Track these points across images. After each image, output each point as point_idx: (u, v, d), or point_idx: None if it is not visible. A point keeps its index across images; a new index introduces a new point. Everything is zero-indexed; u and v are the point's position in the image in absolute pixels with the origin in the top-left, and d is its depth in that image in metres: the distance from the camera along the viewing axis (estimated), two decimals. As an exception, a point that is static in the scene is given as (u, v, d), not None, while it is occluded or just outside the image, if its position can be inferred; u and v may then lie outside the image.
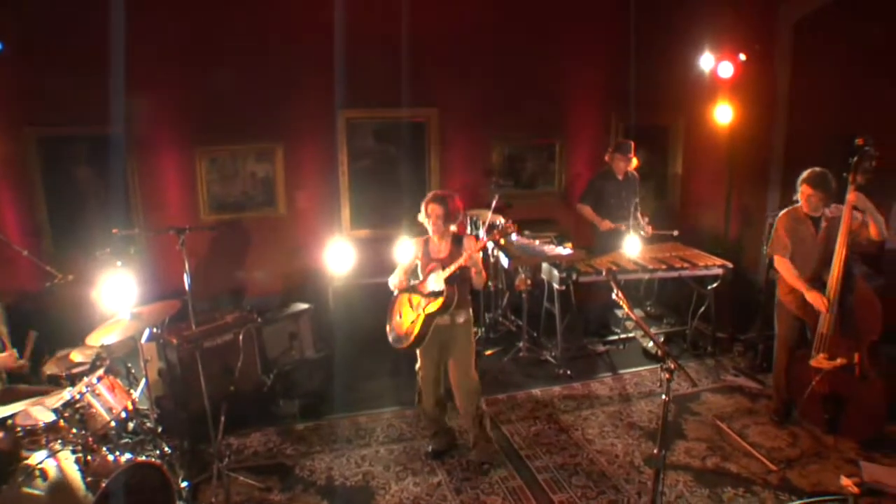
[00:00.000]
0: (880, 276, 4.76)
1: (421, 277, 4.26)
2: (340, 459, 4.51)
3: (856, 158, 4.49)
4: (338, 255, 6.05)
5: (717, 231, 8.04)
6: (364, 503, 4.05)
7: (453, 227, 4.26)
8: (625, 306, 3.29)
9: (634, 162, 6.54)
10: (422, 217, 4.25)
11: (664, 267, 5.88)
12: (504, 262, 5.52)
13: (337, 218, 7.22)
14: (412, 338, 4.18)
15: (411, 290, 4.32)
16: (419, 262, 4.33)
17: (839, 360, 4.62)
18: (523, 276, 5.83)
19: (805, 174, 4.74)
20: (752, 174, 8.54)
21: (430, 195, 4.25)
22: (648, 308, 7.08)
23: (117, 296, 4.23)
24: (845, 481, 4.29)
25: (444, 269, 4.12)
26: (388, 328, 4.39)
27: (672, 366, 2.99)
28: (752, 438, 4.81)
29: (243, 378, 4.91)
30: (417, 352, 4.35)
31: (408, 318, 4.25)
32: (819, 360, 4.71)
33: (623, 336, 6.50)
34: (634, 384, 5.65)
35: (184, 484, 4.01)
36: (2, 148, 5.96)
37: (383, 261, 5.84)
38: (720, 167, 8.08)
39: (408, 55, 7.00)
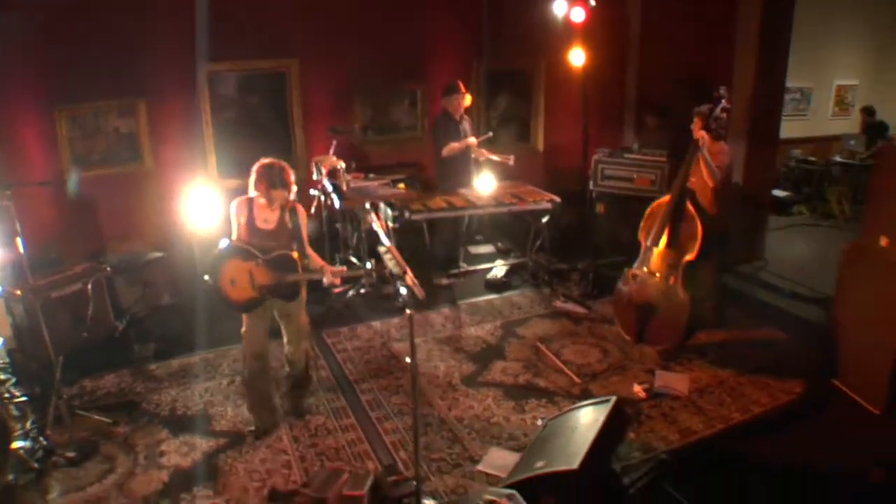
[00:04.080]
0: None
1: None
2: (185, 393, 4.94)
3: (711, 105, 5.17)
4: (201, 205, 6.25)
5: (577, 170, 8.59)
6: (201, 428, 4.50)
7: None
8: (381, 234, 3.72)
9: (469, 99, 6.95)
10: (253, 189, 4.17)
11: (493, 203, 6.41)
12: (336, 203, 5.92)
13: (204, 170, 7.44)
14: (241, 308, 4.29)
15: (255, 261, 4.18)
16: (240, 227, 4.26)
17: (658, 275, 5.25)
18: (370, 216, 6.27)
19: None
20: (608, 115, 9.13)
21: (261, 168, 4.15)
22: (498, 244, 7.63)
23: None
24: (636, 388, 4.98)
25: (276, 244, 4.21)
26: (211, 279, 4.21)
27: (409, 281, 3.40)
28: (567, 357, 5.44)
29: (96, 325, 5.25)
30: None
31: (244, 292, 4.20)
32: (640, 270, 5.35)
33: (467, 269, 7.04)
34: (470, 313, 6.22)
35: (30, 424, 4.36)
36: None
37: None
38: (580, 109, 8.56)
39: (268, 7, 7.21)
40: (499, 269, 6.98)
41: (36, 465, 4.07)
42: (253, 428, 4.44)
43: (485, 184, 6.73)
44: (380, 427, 4.47)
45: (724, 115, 5.28)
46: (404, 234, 6.52)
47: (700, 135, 5.14)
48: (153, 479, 4.00)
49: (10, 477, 3.95)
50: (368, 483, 3.72)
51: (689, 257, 5.11)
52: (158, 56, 6.94)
